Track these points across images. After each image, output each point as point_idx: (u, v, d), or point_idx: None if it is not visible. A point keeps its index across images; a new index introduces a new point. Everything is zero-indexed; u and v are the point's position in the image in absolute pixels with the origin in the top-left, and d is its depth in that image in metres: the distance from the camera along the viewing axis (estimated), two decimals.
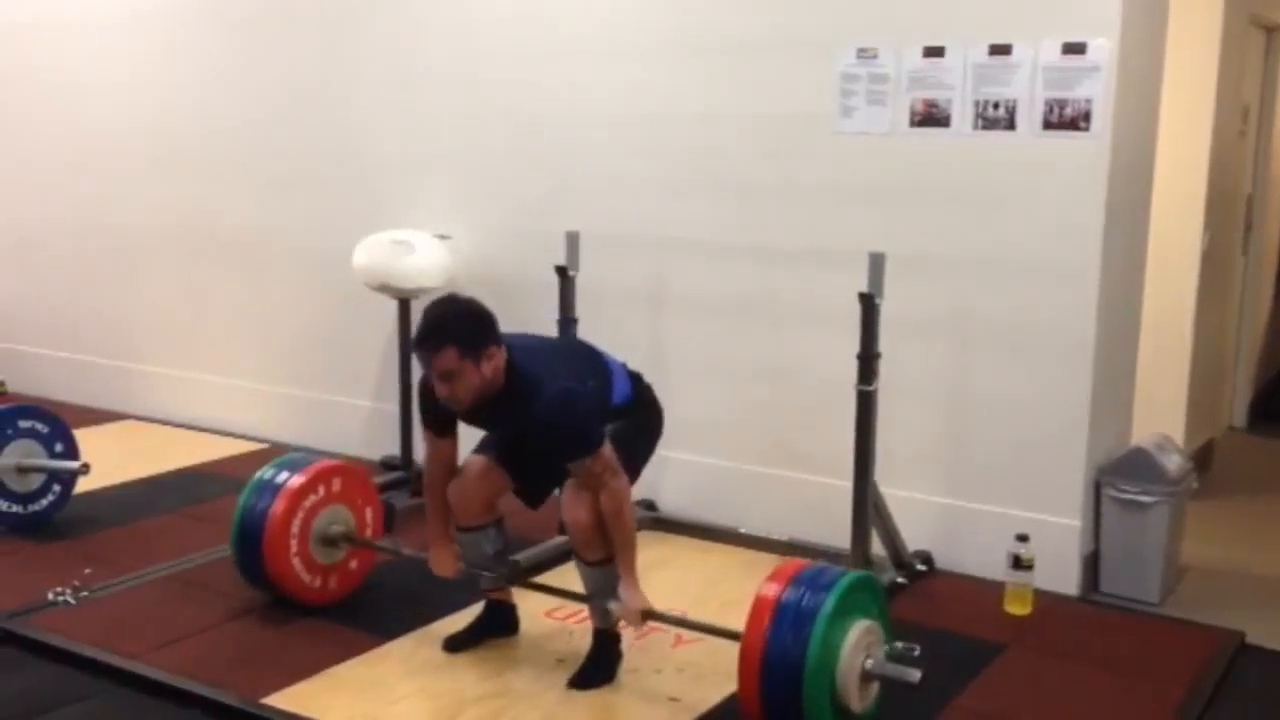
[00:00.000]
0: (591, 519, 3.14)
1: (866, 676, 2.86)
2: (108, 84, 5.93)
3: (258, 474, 3.72)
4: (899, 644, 2.94)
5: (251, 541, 3.61)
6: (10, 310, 6.56)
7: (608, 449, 3.11)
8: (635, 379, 3.38)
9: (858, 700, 2.85)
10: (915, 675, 2.84)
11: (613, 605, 3.20)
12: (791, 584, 2.86)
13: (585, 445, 3.08)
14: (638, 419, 3.31)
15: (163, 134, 5.79)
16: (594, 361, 3.32)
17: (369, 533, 3.83)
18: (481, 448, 3.41)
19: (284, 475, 3.67)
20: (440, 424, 3.33)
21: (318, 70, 5.30)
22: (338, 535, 3.70)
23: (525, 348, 3.20)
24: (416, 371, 4.59)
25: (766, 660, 2.78)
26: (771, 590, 2.86)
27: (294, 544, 3.60)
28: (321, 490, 3.68)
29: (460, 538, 3.42)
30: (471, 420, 3.29)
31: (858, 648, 2.82)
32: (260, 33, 5.44)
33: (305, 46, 5.32)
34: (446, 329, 3.04)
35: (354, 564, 3.81)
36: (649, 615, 3.19)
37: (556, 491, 3.32)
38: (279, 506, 3.59)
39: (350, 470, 3.83)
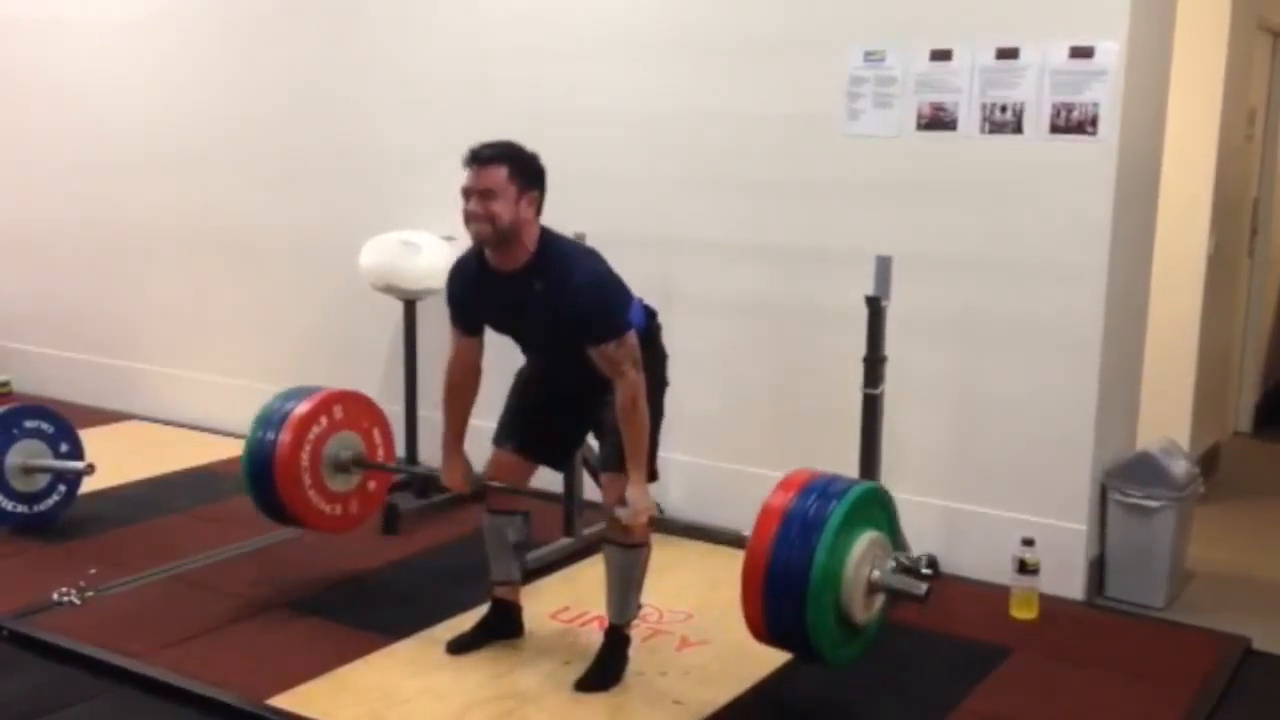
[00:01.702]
0: None
1: (872, 588, 2.81)
2: (113, 83, 5.94)
3: (257, 416, 3.74)
4: (907, 554, 2.89)
5: (265, 484, 3.66)
6: (16, 309, 6.56)
7: (632, 337, 3.13)
8: (650, 314, 3.37)
9: (862, 611, 2.80)
10: (922, 588, 2.81)
11: (620, 511, 3.16)
12: (800, 492, 2.81)
13: (614, 328, 3.10)
14: (646, 355, 3.27)
15: (168, 133, 5.80)
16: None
17: (380, 454, 3.88)
18: (501, 438, 3.42)
19: (286, 408, 3.70)
20: (468, 320, 3.33)
21: (322, 70, 5.31)
22: (348, 461, 3.74)
23: (557, 234, 3.27)
24: (423, 375, 4.62)
25: (771, 568, 2.73)
26: (780, 499, 2.81)
27: (306, 478, 3.66)
28: (324, 420, 3.70)
29: (487, 519, 3.46)
30: (495, 310, 3.26)
31: (864, 558, 2.77)
32: (265, 33, 5.45)
33: (310, 46, 5.33)
34: (507, 150, 3.15)
35: (372, 485, 3.88)
36: (654, 520, 3.19)
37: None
38: (284, 443, 3.62)
39: (352, 396, 3.86)
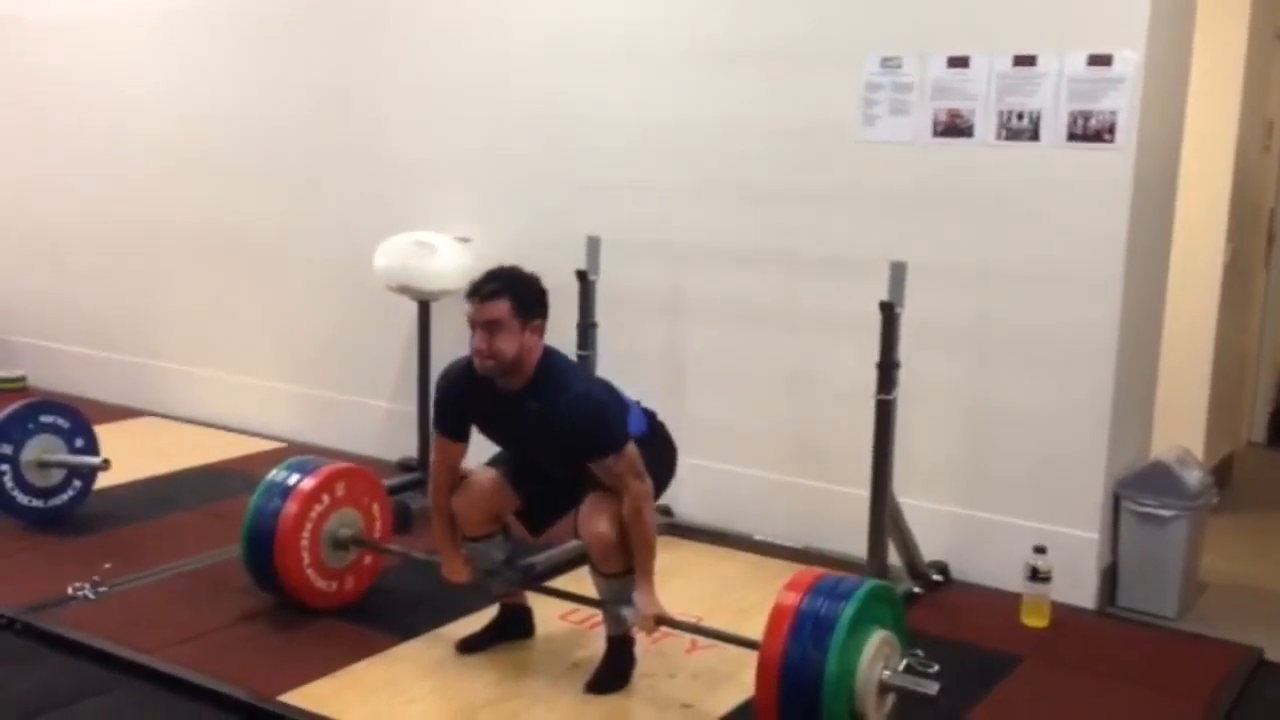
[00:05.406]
0: (613, 534, 3.13)
1: (884, 688, 2.85)
2: (136, 87, 5.97)
3: (258, 489, 3.70)
4: (915, 654, 2.93)
5: (263, 559, 3.63)
6: (33, 306, 6.61)
7: (632, 448, 3.11)
8: (649, 416, 3.37)
9: (875, 711, 2.84)
10: (933, 688, 2.84)
11: (626, 611, 3.19)
12: (810, 593, 2.85)
13: (609, 442, 3.07)
14: (651, 451, 3.26)
15: (189, 136, 5.83)
16: (612, 389, 3.31)
17: (378, 530, 3.83)
18: (493, 462, 3.41)
19: (291, 480, 3.65)
20: (455, 428, 3.32)
21: (343, 74, 5.33)
22: (347, 539, 3.71)
23: (557, 353, 3.23)
24: (436, 375, 4.63)
25: (785, 669, 2.77)
26: (790, 599, 2.85)
27: (306, 556, 3.61)
28: (326, 498, 3.66)
29: (468, 547, 3.42)
30: (489, 425, 3.29)
31: (876, 659, 2.82)
32: (286, 38, 5.47)
33: (330, 51, 5.35)
34: (508, 281, 3.09)
35: (369, 559, 3.82)
36: (662, 621, 3.18)
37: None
38: (284, 524, 3.57)
39: (354, 471, 3.81)
